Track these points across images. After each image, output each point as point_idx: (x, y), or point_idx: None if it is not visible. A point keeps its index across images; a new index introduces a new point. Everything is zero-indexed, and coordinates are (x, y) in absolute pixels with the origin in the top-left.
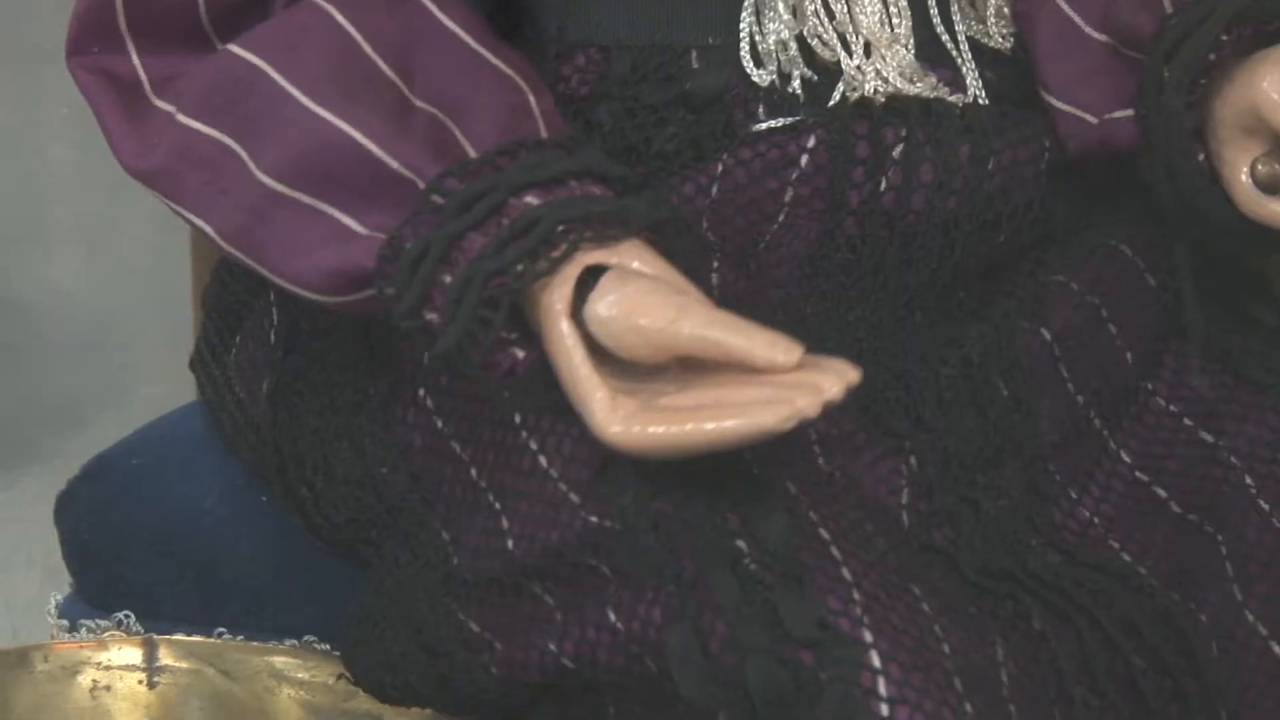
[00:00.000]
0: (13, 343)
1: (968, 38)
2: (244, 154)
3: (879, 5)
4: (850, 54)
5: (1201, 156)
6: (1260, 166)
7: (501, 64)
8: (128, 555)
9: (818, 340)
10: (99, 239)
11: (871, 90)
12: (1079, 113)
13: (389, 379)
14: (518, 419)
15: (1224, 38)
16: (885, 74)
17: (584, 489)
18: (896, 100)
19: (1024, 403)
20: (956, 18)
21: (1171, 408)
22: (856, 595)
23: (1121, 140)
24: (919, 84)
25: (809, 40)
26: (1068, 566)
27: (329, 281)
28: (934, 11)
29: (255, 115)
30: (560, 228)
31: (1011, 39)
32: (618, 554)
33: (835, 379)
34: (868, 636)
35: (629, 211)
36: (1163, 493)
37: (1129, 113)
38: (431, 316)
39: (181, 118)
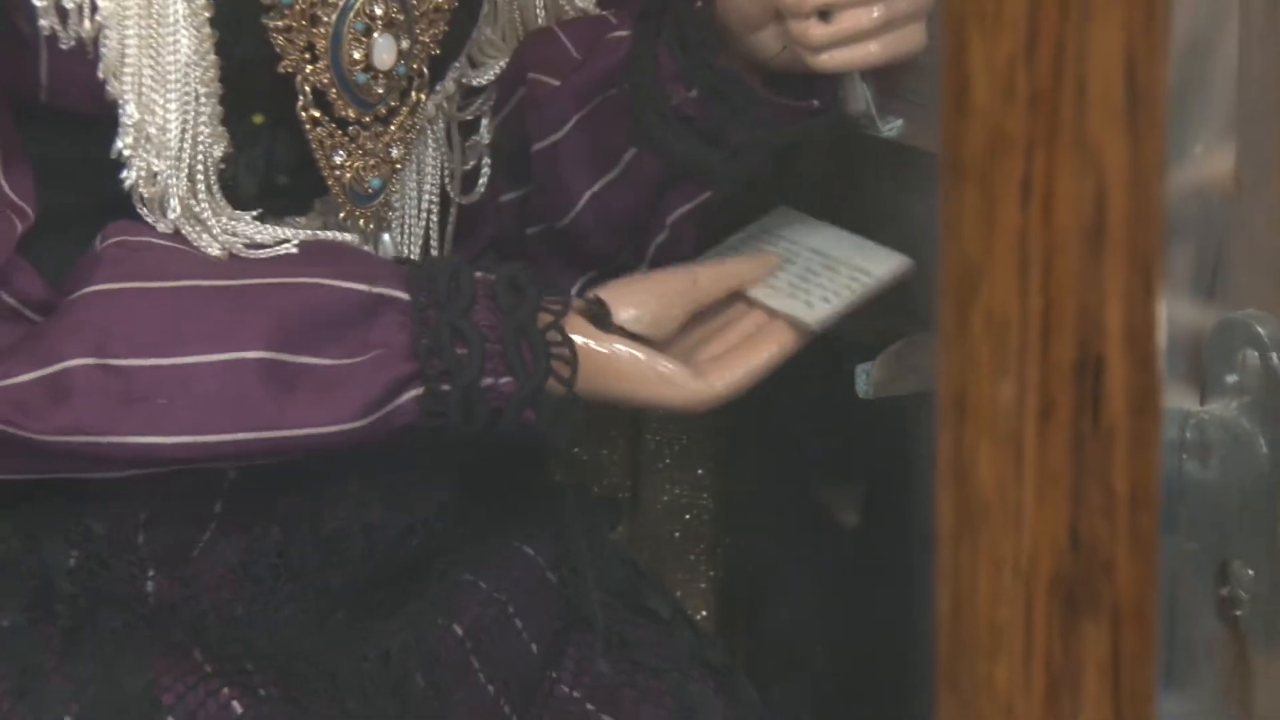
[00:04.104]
0: None
1: None
2: (193, 357)
3: None
4: None
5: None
6: None
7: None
8: None
9: (248, 640)
10: None
11: None
12: (551, 79)
13: None
14: None
15: None
16: None
17: None
18: None
19: (440, 692)
20: None
21: (575, 693)
22: None
23: (619, 50)
24: None
25: None
26: None
27: (361, 410)
28: None
29: (184, 317)
30: (524, 278)
31: None
32: None
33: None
34: None
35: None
36: None
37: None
38: (489, 381)
39: (81, 361)
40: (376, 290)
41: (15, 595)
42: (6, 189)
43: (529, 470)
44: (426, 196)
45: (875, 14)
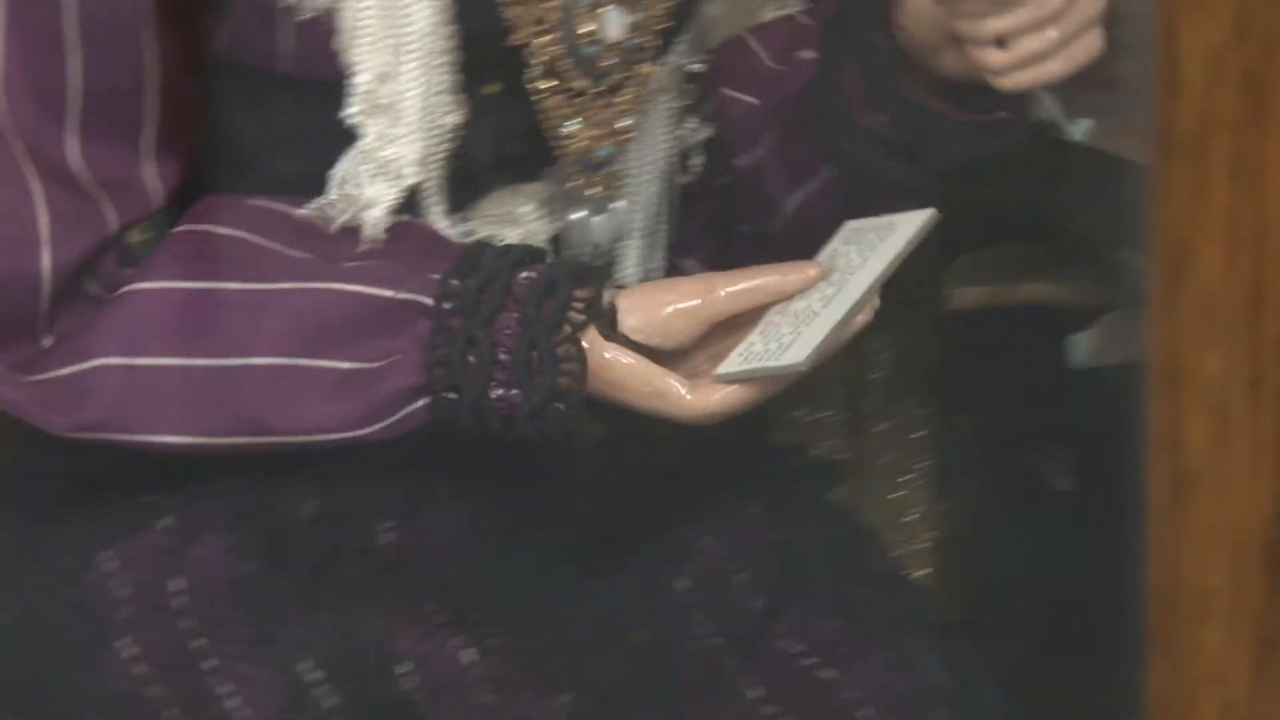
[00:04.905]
0: None
1: None
2: (209, 360)
3: None
4: None
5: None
6: None
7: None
8: None
9: (478, 593)
10: None
11: None
12: (747, 96)
13: (88, 631)
14: (210, 663)
15: None
16: None
17: None
18: None
19: (663, 647)
20: None
21: (795, 649)
22: None
23: (801, 81)
24: None
25: None
26: None
27: (370, 416)
28: None
29: (207, 322)
30: (570, 283)
31: None
32: None
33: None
34: None
35: (591, 266)
36: None
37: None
38: (499, 392)
39: (106, 361)
40: (401, 296)
41: (255, 545)
42: (144, 175)
43: (751, 431)
44: (656, 167)
45: (1052, 34)
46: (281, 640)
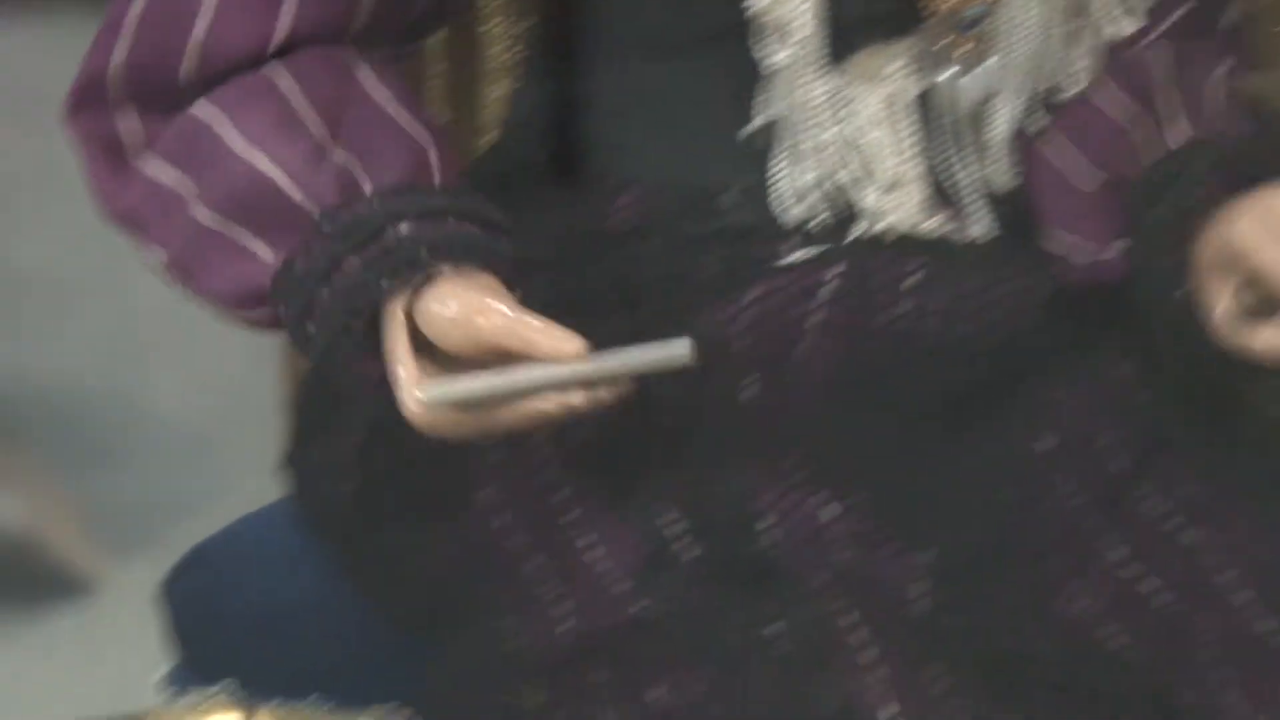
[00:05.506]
0: (128, 446)
1: (977, 179)
2: (191, 193)
3: (893, 152)
4: (868, 194)
5: (1183, 293)
6: (1236, 297)
7: (414, 125)
8: (225, 637)
9: (839, 451)
10: (203, 352)
11: (886, 227)
12: (1071, 253)
13: (452, 485)
14: (572, 515)
15: (1206, 182)
16: (899, 212)
17: (632, 579)
18: (910, 237)
19: (1026, 505)
20: (968, 162)
21: (1158, 511)
22: (872, 679)
23: (1111, 275)
24: (930, 221)
25: (831, 182)
26: (1067, 653)
27: (238, 299)
28: (944, 157)
29: (203, 159)
30: (424, 251)
31: (1017, 179)
32: (663, 639)
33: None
34: (883, 715)
35: (493, 246)
36: (1151, 586)
37: (1118, 249)
38: (309, 327)
39: (150, 166)
40: (303, 202)
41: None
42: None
43: (1118, 290)
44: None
45: None
46: (644, 494)
